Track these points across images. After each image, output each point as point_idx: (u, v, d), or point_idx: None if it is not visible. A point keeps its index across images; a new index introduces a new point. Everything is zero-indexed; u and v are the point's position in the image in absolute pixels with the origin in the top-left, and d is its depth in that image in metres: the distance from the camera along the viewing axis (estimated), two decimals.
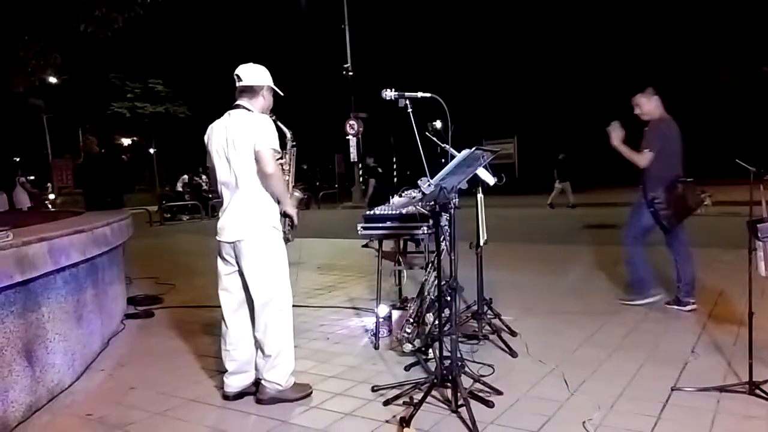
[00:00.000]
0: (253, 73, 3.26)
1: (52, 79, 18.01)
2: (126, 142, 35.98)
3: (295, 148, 3.43)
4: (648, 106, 4.83)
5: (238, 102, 3.25)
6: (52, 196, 21.43)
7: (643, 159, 4.71)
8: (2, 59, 11.12)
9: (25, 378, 3.18)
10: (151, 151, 36.77)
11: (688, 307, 4.74)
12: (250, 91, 3.24)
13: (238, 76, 3.25)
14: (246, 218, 3.16)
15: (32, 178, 22.09)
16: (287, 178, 3.37)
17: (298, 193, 3.43)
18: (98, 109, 31.75)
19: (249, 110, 3.21)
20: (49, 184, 23.72)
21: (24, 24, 11.09)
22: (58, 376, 3.52)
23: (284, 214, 3.27)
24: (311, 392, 3.33)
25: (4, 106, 23.23)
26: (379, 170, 10.40)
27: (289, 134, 3.40)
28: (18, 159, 34.73)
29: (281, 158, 3.37)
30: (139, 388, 3.60)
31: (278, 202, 3.24)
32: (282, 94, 3.39)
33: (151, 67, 32.19)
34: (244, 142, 3.09)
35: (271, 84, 3.31)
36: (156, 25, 21.79)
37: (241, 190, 3.16)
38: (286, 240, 3.31)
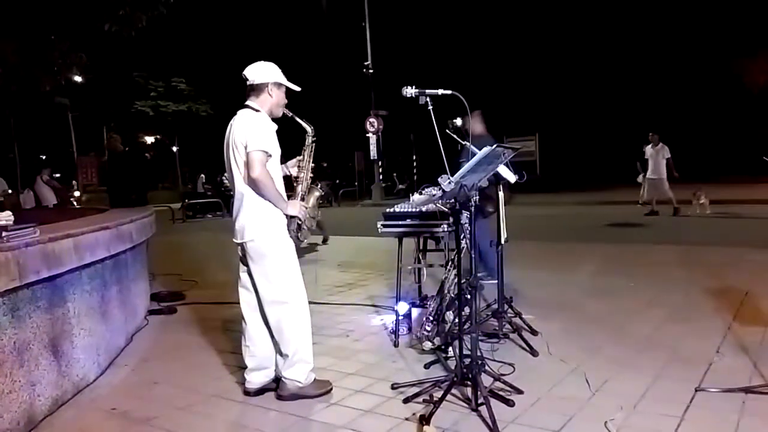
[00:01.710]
0: (256, 71, 3.22)
1: (78, 78, 18.26)
2: (149, 140, 36.37)
3: (314, 144, 3.40)
4: (473, 126, 5.44)
5: (246, 102, 3.25)
6: (77, 194, 21.70)
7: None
8: (30, 59, 11.33)
9: (52, 372, 3.24)
10: (174, 149, 37.18)
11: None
12: (256, 89, 3.22)
13: (245, 77, 3.23)
14: (248, 219, 3.15)
15: (58, 175, 22.41)
16: (303, 174, 3.36)
17: (318, 192, 3.42)
18: (122, 107, 32.14)
19: (255, 109, 3.18)
20: (74, 182, 24.02)
21: (50, 24, 11.29)
22: (83, 371, 3.59)
23: (289, 217, 3.21)
24: (331, 389, 3.34)
25: (31, 104, 23.65)
26: None
27: (309, 129, 3.37)
28: (44, 157, 35.37)
29: (299, 155, 3.37)
30: (163, 384, 3.65)
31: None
32: (297, 89, 3.32)
33: (174, 66, 32.49)
34: (240, 143, 3.09)
35: (278, 79, 3.25)
36: (179, 24, 22.01)
37: (241, 191, 3.16)
38: (298, 241, 3.25)
